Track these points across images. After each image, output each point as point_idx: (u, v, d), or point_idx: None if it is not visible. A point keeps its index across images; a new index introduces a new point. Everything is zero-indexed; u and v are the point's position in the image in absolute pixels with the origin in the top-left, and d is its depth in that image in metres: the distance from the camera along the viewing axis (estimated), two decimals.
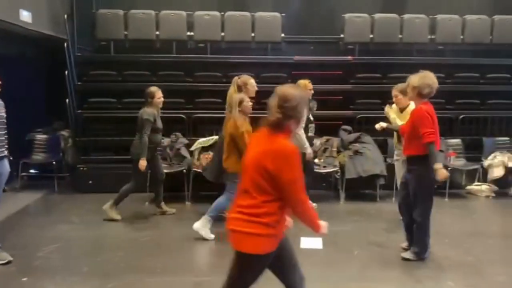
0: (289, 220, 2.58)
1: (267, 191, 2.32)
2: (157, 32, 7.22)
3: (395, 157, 5.27)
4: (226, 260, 4.24)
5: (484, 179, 6.66)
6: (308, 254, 4.42)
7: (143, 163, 5.11)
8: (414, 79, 4.03)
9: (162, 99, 5.30)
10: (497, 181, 6.55)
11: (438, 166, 3.88)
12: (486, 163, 6.58)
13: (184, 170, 6.18)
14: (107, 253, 4.42)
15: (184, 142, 6.53)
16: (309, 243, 4.67)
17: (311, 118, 5.58)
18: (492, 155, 6.68)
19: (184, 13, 7.25)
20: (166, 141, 6.50)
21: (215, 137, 6.51)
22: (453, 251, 4.48)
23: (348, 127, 5.89)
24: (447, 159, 6.50)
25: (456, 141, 6.78)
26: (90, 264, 4.13)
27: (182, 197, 6.19)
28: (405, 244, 4.40)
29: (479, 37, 7.52)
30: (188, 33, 7.29)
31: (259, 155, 2.35)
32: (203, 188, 6.57)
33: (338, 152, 6.23)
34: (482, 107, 7.15)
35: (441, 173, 3.88)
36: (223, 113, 6.88)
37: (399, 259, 4.32)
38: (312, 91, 5.40)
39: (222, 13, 7.33)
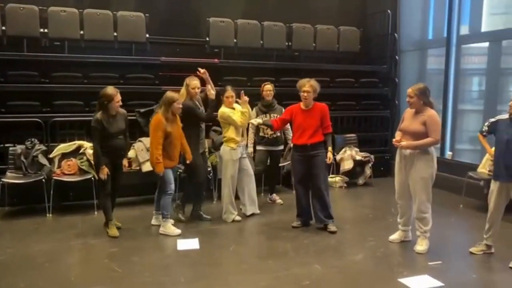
0: None
1: None
2: (3, 28, 6.44)
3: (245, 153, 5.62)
4: (94, 269, 4.08)
5: (337, 171, 7.48)
6: (186, 255, 4.46)
7: (102, 172, 4.78)
8: (314, 83, 5.03)
9: (118, 104, 4.80)
10: (347, 173, 7.40)
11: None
12: (338, 157, 7.37)
13: (44, 180, 5.64)
14: None
15: (41, 149, 5.95)
16: (186, 244, 4.70)
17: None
18: (343, 150, 7.52)
19: (35, 7, 6.57)
20: (20, 148, 5.86)
21: (78, 142, 6.12)
22: (317, 237, 4.94)
23: (219, 128, 6.04)
24: None
25: None
26: None
27: (42, 210, 5.65)
28: (296, 223, 5.24)
29: (328, 45, 8.39)
30: (42, 30, 6.65)
31: None
32: (65, 198, 6.12)
33: (210, 153, 6.34)
34: (332, 108, 7.97)
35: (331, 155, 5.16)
36: (85, 116, 6.52)
37: (270, 250, 4.62)
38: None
39: (80, 10, 6.87)
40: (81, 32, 6.85)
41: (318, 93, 5.11)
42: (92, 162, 5.78)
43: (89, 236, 4.93)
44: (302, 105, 5.12)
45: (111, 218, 4.98)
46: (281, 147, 6.31)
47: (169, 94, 4.93)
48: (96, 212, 5.71)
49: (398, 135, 4.61)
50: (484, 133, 4.53)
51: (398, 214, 4.82)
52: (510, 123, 4.18)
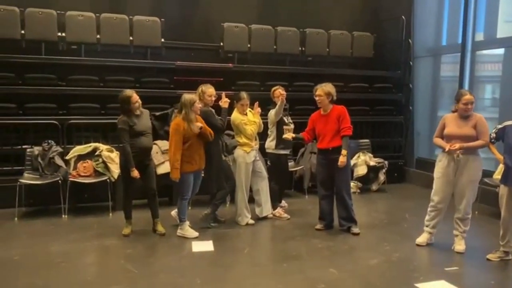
0: None
1: None
2: (22, 31, 6.56)
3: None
4: (111, 270, 4.11)
5: (351, 177, 7.42)
6: (201, 257, 4.47)
7: (134, 174, 4.82)
8: (326, 88, 5.07)
9: (137, 104, 4.86)
10: (361, 178, 7.36)
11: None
12: (351, 162, 7.33)
13: (60, 181, 5.70)
14: None
15: (58, 151, 6.02)
16: (201, 246, 4.72)
17: (286, 120, 5.73)
18: (356, 155, 7.49)
19: (54, 12, 6.71)
20: (37, 149, 5.94)
21: (94, 144, 6.19)
22: (331, 242, 4.92)
23: (232, 132, 6.06)
24: None
25: None
26: None
27: (58, 211, 5.70)
28: (320, 225, 5.30)
29: (342, 51, 8.39)
30: (59, 34, 6.76)
31: None
32: (81, 200, 6.18)
33: (224, 156, 6.34)
34: None
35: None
36: (101, 118, 6.60)
37: (284, 253, 4.60)
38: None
39: (97, 14, 6.98)
40: (98, 36, 6.95)
41: (335, 97, 5.15)
42: (111, 164, 5.87)
43: (105, 237, 4.96)
44: (321, 110, 5.20)
45: (128, 217, 5.07)
46: None
47: (188, 96, 4.89)
48: (111, 214, 5.76)
49: (438, 140, 4.60)
50: (492, 140, 4.49)
51: (429, 217, 4.76)
52: None
